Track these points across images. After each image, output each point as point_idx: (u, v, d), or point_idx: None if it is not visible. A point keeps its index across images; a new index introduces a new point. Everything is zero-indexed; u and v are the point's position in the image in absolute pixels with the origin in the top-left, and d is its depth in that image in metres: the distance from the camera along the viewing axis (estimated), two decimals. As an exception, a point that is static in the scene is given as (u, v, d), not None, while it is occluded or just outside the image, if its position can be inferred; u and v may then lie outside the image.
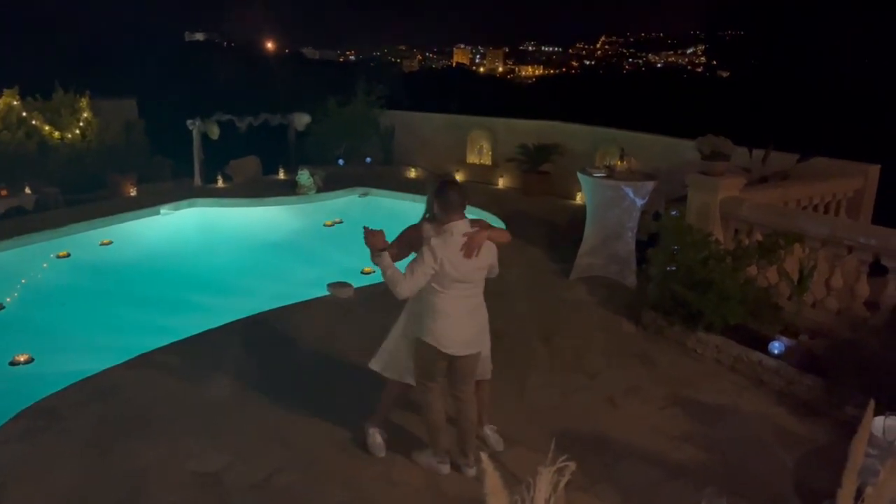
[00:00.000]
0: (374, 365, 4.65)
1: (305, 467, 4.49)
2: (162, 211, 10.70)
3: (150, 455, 4.54)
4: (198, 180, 11.83)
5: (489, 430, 4.77)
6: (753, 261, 6.31)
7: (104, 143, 11.78)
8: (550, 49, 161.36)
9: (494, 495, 2.00)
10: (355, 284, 7.47)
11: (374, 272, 8.51)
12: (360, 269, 8.79)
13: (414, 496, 4.25)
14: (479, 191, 11.48)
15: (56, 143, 11.26)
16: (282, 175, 12.62)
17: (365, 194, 12.02)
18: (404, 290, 4.03)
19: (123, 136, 12.28)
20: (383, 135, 13.96)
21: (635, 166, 7.76)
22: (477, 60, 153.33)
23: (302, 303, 7.15)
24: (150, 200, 10.80)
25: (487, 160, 13.13)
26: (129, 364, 5.76)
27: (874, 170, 8.08)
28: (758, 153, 8.32)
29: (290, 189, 11.67)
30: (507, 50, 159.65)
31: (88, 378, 5.48)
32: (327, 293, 7.32)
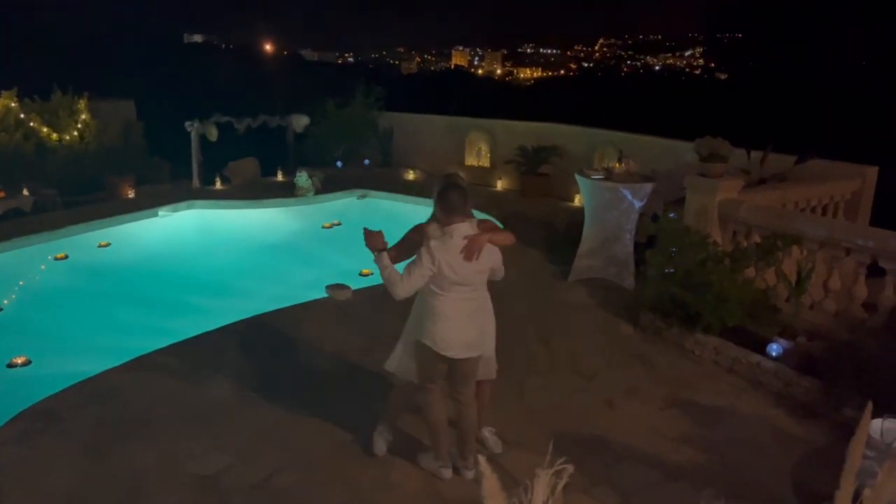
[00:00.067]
0: (389, 366, 4.64)
1: (304, 469, 4.48)
2: (160, 213, 10.70)
3: (150, 457, 4.53)
4: (196, 182, 11.83)
5: (488, 433, 4.76)
6: (751, 262, 6.31)
7: (102, 144, 11.76)
8: (549, 51, 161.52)
9: (492, 498, 1.99)
10: (354, 286, 7.46)
11: (372, 274, 8.50)
12: (358, 271, 8.79)
13: (412, 499, 4.25)
14: (478, 193, 11.47)
15: (54, 144, 11.25)
16: (280, 177, 12.62)
17: (363, 196, 12.02)
18: (401, 290, 4.03)
19: (122, 137, 12.26)
20: (382, 137, 13.96)
21: (633, 168, 7.76)
22: (475, 62, 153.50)
23: (300, 305, 7.15)
24: (148, 202, 10.80)
25: (486, 162, 13.12)
26: (127, 366, 5.75)
27: (872, 171, 8.10)
28: (756, 155, 8.33)
29: (288, 191, 11.66)
30: (505, 52, 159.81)
31: (87, 380, 5.48)
32: (326, 295, 7.32)
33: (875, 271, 6.02)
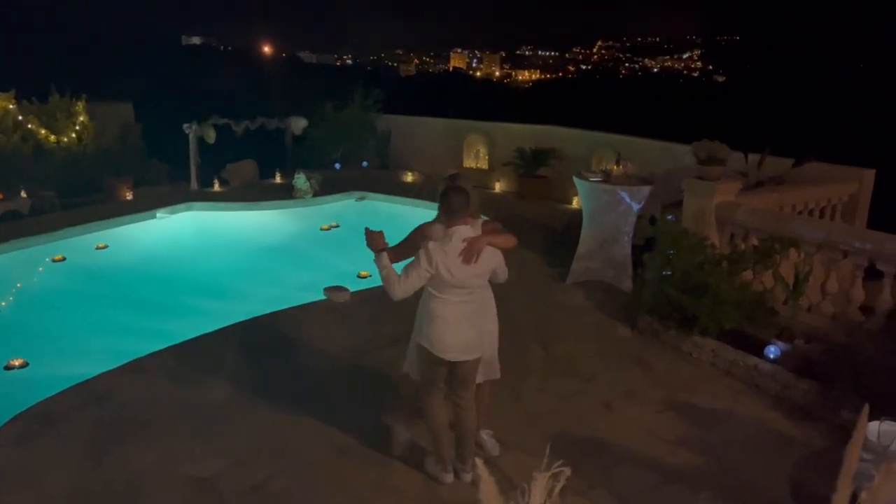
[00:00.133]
0: (405, 368, 4.65)
1: (302, 471, 4.48)
2: (158, 215, 10.69)
3: (146, 459, 4.53)
4: (194, 184, 11.82)
5: (486, 435, 4.76)
6: (749, 265, 6.31)
7: (100, 146, 11.75)
8: (547, 53, 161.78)
9: (489, 501, 1.99)
10: (352, 288, 7.46)
11: (370, 276, 8.51)
12: (356, 273, 8.79)
13: (411, 502, 4.24)
14: (476, 195, 11.47)
15: (52, 146, 11.24)
16: (278, 179, 12.62)
17: (361, 198, 12.02)
18: (398, 291, 4.04)
19: (120, 139, 12.26)
20: (380, 139, 13.96)
21: (631, 171, 7.77)
22: (474, 65, 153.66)
23: (298, 307, 7.14)
24: (146, 204, 10.79)
25: (484, 164, 13.13)
26: (124, 368, 5.74)
27: (869, 174, 8.11)
28: (753, 158, 8.34)
29: (286, 193, 11.66)
30: (503, 54, 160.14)
31: (84, 382, 5.47)
32: (324, 297, 7.32)
33: (873, 274, 6.02)
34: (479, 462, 2.09)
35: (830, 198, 7.80)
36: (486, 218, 4.48)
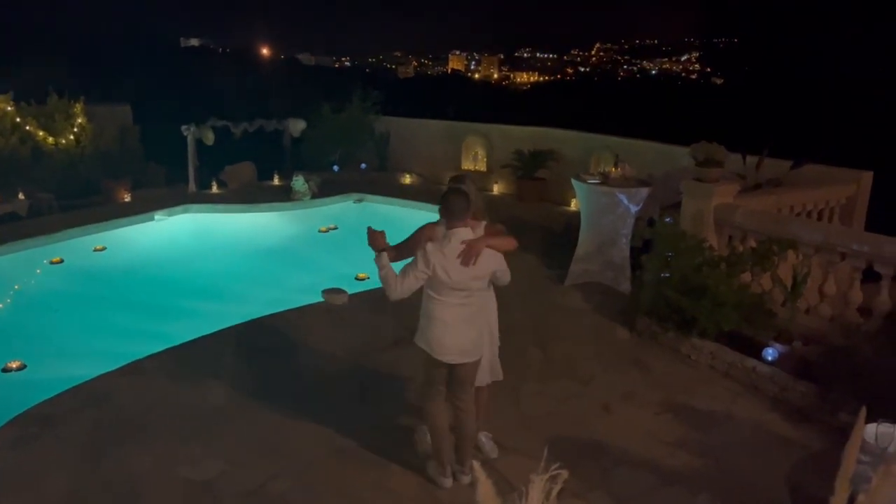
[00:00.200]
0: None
1: (300, 474, 4.47)
2: (156, 217, 10.68)
3: (144, 462, 4.52)
4: (192, 186, 11.81)
5: (484, 438, 4.76)
6: (747, 267, 6.32)
7: (98, 148, 11.74)
8: (545, 55, 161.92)
9: None
10: (350, 291, 7.46)
11: (368, 278, 8.51)
12: (354, 275, 8.79)
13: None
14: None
15: (50, 148, 11.23)
16: (277, 181, 12.62)
17: (360, 200, 12.03)
18: (394, 291, 4.04)
19: (118, 141, 12.25)
20: (378, 141, 13.97)
21: (630, 173, 7.78)
22: (472, 67, 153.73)
23: (296, 309, 7.14)
24: (144, 206, 10.78)
25: (482, 166, 13.14)
26: (122, 370, 5.74)
27: (867, 176, 8.12)
28: (751, 160, 8.35)
29: (284, 195, 11.66)
30: (502, 56, 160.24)
31: (81, 384, 5.46)
32: (322, 299, 7.31)
33: (870, 276, 6.03)
34: (476, 464, 2.09)
35: (828, 200, 7.81)
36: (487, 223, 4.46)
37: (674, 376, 5.99)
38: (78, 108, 11.63)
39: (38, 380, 6.23)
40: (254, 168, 12.78)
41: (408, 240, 4.33)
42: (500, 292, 4.54)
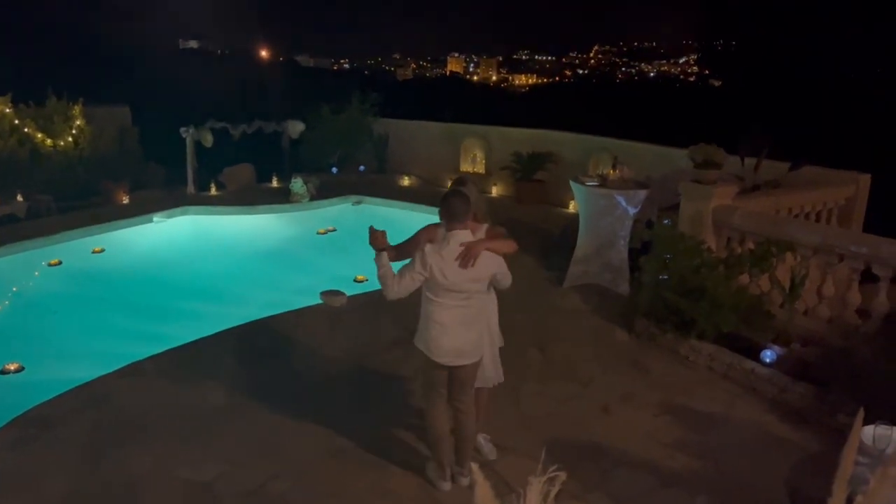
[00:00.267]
0: None
1: (299, 475, 4.47)
2: (155, 219, 10.68)
3: (143, 463, 4.52)
4: (191, 188, 11.81)
5: (483, 439, 4.76)
6: (745, 269, 6.33)
7: (97, 150, 11.74)
8: (544, 58, 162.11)
9: (485, 506, 1.99)
10: (348, 293, 7.46)
11: (367, 280, 8.51)
12: (352, 277, 8.79)
13: (407, 505, 4.25)
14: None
15: (49, 150, 11.23)
16: (275, 183, 12.62)
17: (358, 202, 12.03)
18: (391, 291, 4.05)
19: (116, 143, 12.25)
20: (377, 143, 13.97)
21: (628, 175, 7.78)
22: (471, 69, 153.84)
23: (295, 311, 7.13)
24: (142, 208, 10.78)
25: (481, 168, 13.15)
26: (121, 372, 5.73)
27: (865, 179, 8.14)
28: (750, 162, 8.36)
29: (283, 197, 11.66)
30: (500, 59, 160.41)
31: (80, 386, 5.46)
32: (320, 301, 7.31)
33: (868, 278, 6.04)
34: (475, 466, 2.09)
35: (827, 201, 7.82)
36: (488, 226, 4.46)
37: (672, 378, 5.99)
38: (76, 109, 11.63)
39: (37, 381, 6.23)
40: (252, 170, 12.78)
41: (408, 240, 4.33)
42: (499, 294, 4.54)
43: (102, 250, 9.73)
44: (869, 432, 3.78)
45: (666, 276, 6.45)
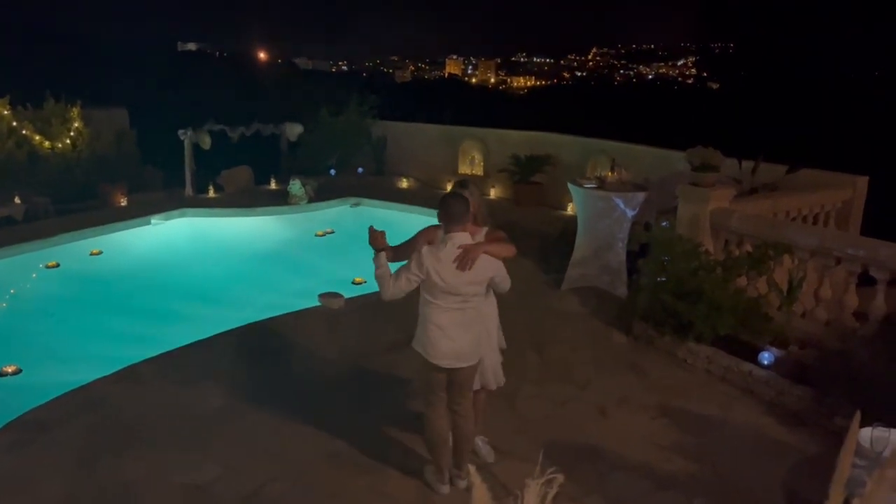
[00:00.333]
0: None
1: (296, 478, 4.47)
2: (153, 221, 10.67)
3: (140, 467, 4.51)
4: (189, 190, 11.81)
5: (480, 442, 4.75)
6: (743, 271, 6.34)
7: (95, 152, 11.74)
8: (542, 60, 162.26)
9: (482, 508, 1.99)
10: (346, 295, 7.45)
11: (365, 282, 8.51)
12: (351, 279, 8.78)
13: (404, 508, 4.24)
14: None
15: (46, 152, 11.22)
16: (273, 185, 12.61)
17: (357, 204, 12.03)
18: (387, 292, 4.06)
19: (114, 145, 12.25)
20: (375, 145, 13.98)
21: (626, 177, 7.79)
22: (469, 71, 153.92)
23: (293, 313, 7.13)
24: (140, 210, 10.77)
25: (479, 171, 13.16)
26: (118, 375, 5.72)
27: (862, 181, 8.15)
28: (747, 164, 8.37)
29: (281, 199, 11.66)
30: (498, 61, 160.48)
31: (77, 389, 5.45)
32: (318, 303, 7.31)
33: (866, 281, 6.05)
34: (472, 469, 2.09)
35: (824, 204, 7.83)
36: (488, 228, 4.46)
37: (670, 380, 5.99)
38: (74, 112, 11.63)
39: (34, 384, 6.21)
40: (251, 172, 12.77)
41: (408, 241, 4.34)
42: (497, 296, 4.54)
43: (100, 252, 9.72)
44: (866, 435, 3.77)
45: (664, 279, 6.46)
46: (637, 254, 7.51)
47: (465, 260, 3.94)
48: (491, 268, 4.07)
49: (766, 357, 5.79)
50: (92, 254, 9.66)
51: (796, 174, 8.09)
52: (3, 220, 9.85)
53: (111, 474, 4.43)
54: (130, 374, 5.75)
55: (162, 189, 12.15)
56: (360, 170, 13.81)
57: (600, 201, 7.58)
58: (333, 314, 7.15)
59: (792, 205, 7.44)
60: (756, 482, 4.57)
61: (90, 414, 5.12)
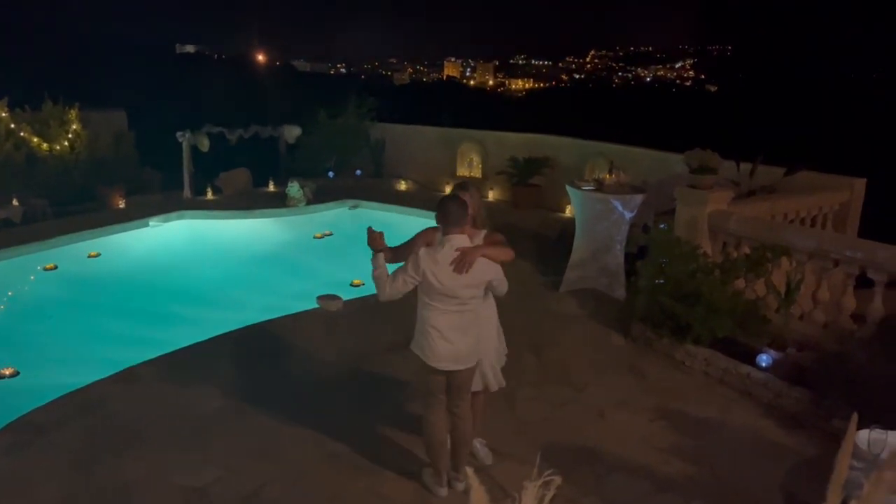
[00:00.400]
0: None
1: (294, 480, 4.47)
2: (151, 223, 10.66)
3: (138, 469, 4.50)
4: (187, 192, 11.80)
5: (479, 444, 4.75)
6: (741, 274, 6.34)
7: (93, 154, 11.73)
8: (540, 62, 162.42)
9: (480, 510, 1.99)
10: (344, 297, 7.45)
11: (363, 284, 8.51)
12: (349, 282, 8.78)
13: (403, 510, 4.24)
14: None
15: (45, 154, 11.21)
16: (272, 187, 12.61)
17: (355, 207, 12.03)
18: (384, 293, 4.06)
19: (113, 147, 12.23)
20: (374, 147, 13.99)
21: (624, 179, 7.80)
22: (467, 73, 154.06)
23: (291, 315, 7.13)
24: (138, 212, 10.76)
25: (478, 173, 13.16)
26: (116, 377, 5.72)
27: (860, 183, 8.16)
28: (745, 167, 8.39)
29: (280, 201, 11.65)
30: (497, 63, 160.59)
31: (75, 391, 5.44)
32: (316, 305, 7.31)
33: (864, 283, 6.05)
34: (470, 471, 2.09)
35: (822, 206, 7.84)
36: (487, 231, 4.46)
37: (668, 382, 6.00)
38: (73, 114, 11.62)
39: (32, 386, 6.20)
40: (249, 174, 12.77)
41: (406, 243, 4.34)
42: (496, 298, 4.54)
43: (98, 255, 9.71)
44: (864, 437, 3.78)
45: (662, 281, 6.46)
46: (635, 256, 7.52)
47: (462, 263, 3.93)
48: (488, 271, 4.07)
49: (764, 359, 5.79)
50: (90, 256, 9.65)
51: (794, 176, 8.10)
52: (0, 223, 9.84)
53: (109, 476, 4.43)
54: (129, 376, 5.74)
55: (160, 191, 12.15)
56: (358, 172, 13.82)
57: (598, 203, 7.59)
58: (332, 316, 7.15)
59: (790, 207, 7.46)
60: (754, 484, 4.57)
61: (88, 416, 5.11)
